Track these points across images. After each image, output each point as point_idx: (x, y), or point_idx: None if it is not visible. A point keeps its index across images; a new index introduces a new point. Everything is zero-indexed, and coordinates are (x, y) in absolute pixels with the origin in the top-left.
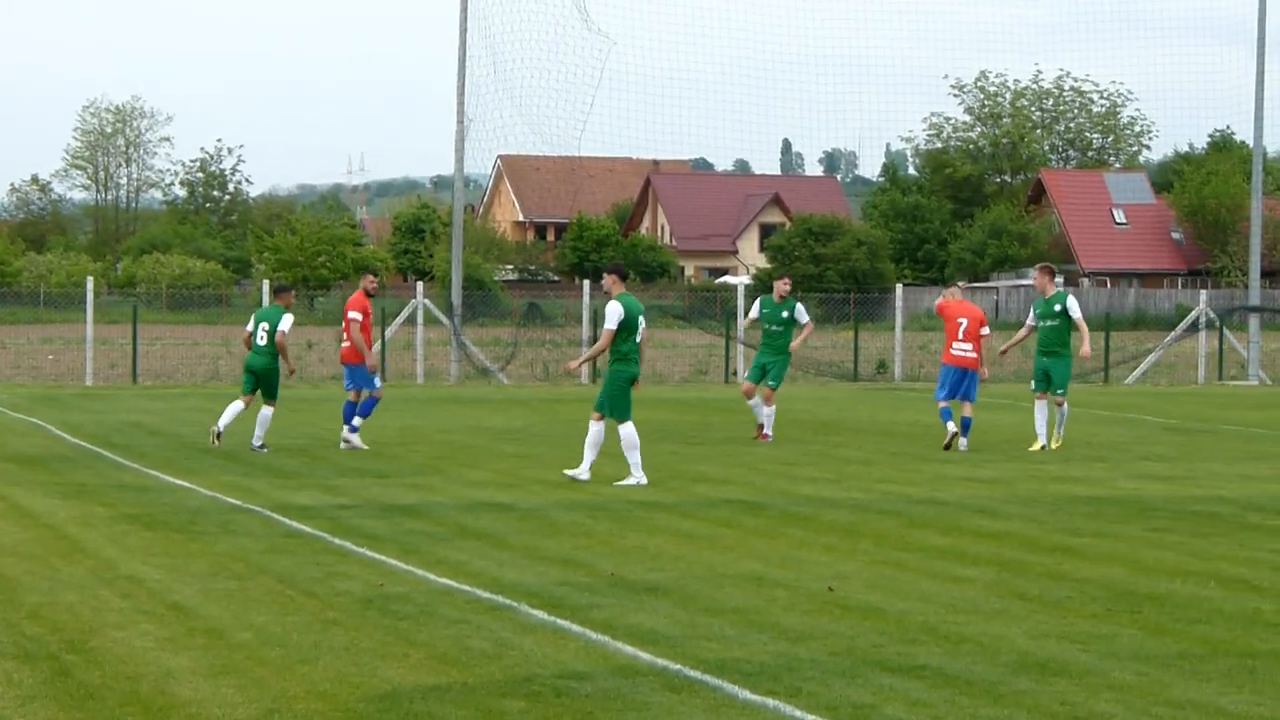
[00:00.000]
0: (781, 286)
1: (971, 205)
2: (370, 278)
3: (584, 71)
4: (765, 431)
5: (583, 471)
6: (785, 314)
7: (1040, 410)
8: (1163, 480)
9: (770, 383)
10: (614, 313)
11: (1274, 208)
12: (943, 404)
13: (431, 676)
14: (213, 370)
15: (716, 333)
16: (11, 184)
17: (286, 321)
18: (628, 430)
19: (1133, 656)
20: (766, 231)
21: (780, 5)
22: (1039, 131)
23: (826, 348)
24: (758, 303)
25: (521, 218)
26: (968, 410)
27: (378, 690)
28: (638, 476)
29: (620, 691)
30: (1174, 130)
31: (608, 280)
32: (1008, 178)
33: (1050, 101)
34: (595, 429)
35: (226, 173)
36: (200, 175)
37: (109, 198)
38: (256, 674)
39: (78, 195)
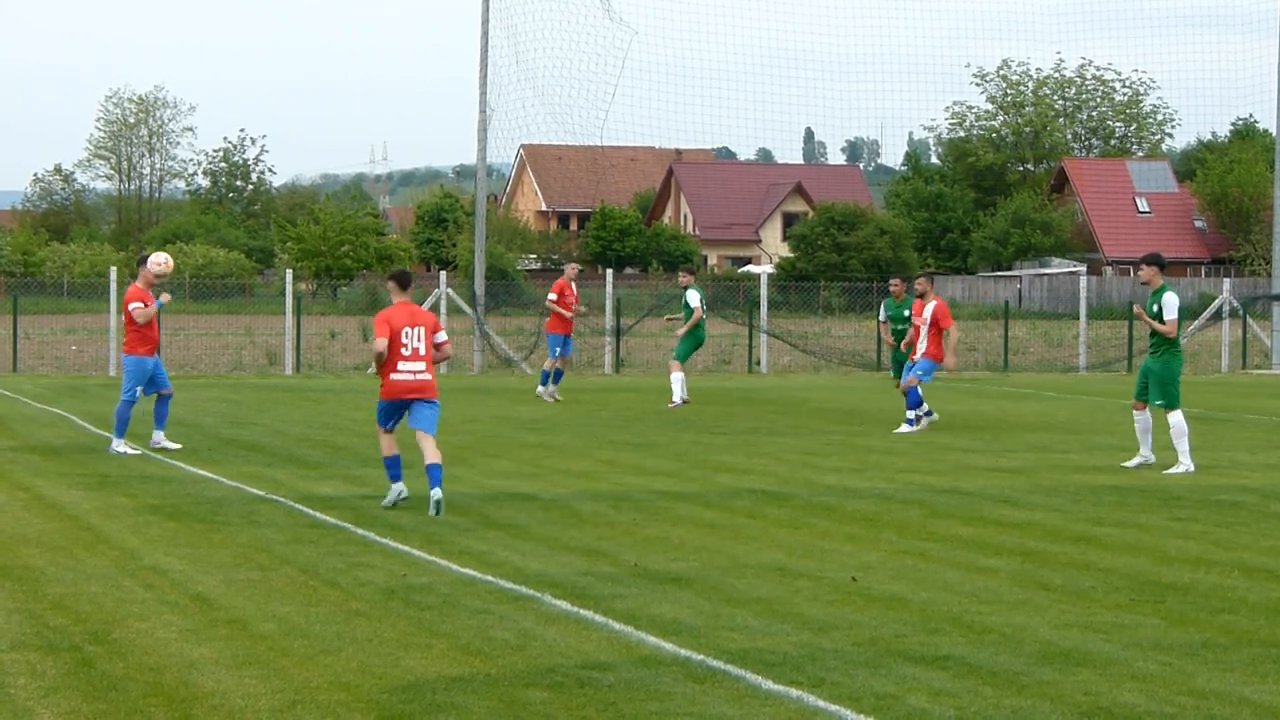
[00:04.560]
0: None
1: (994, 194)
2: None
3: (606, 61)
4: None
5: (1187, 463)
6: (906, 312)
7: None
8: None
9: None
10: (1173, 304)
11: None
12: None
13: (455, 667)
14: (236, 360)
15: (740, 322)
16: (35, 174)
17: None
18: (1177, 419)
19: (1156, 646)
20: (789, 220)
21: None
22: (1061, 120)
23: (849, 337)
24: (882, 305)
25: (544, 207)
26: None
27: (401, 681)
28: (1186, 464)
29: (643, 682)
30: (1196, 119)
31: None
32: (1030, 166)
33: (1072, 90)
34: (1141, 417)
35: (249, 162)
36: (223, 165)
37: (132, 188)
38: (279, 665)
39: (101, 185)
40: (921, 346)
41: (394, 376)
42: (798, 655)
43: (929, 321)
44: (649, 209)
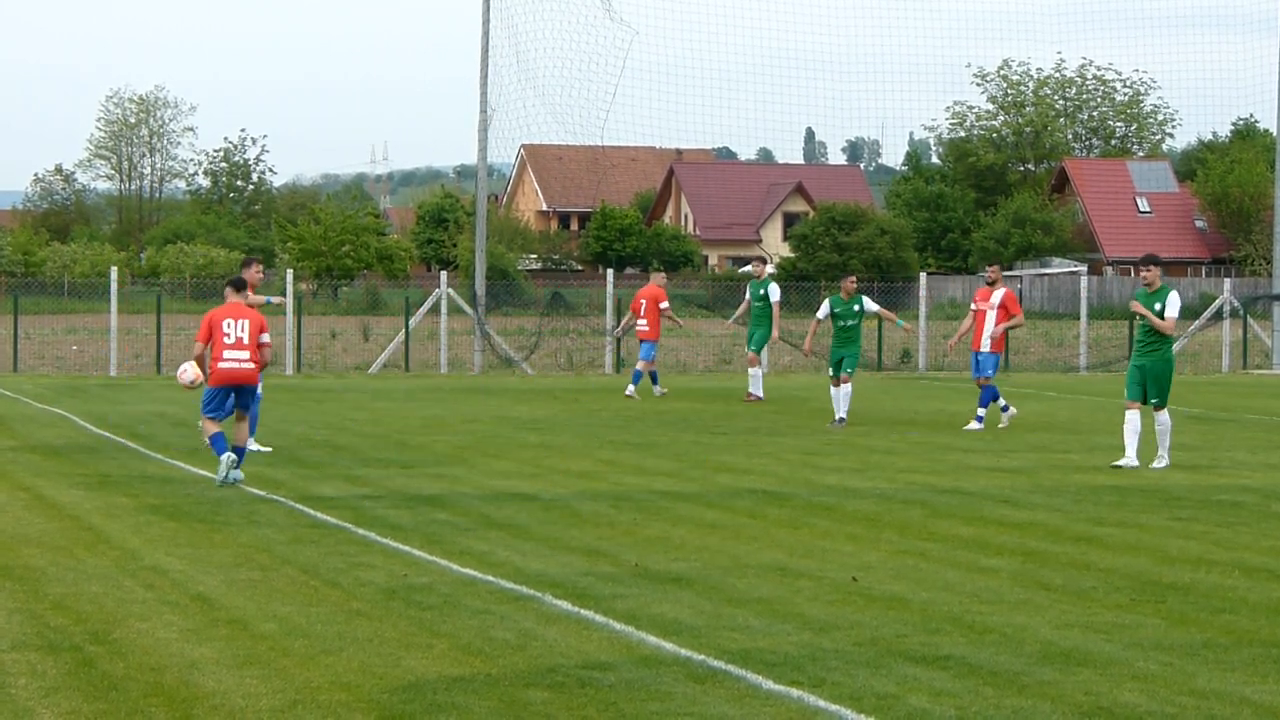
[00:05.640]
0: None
1: (995, 194)
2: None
3: (607, 61)
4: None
5: (1130, 460)
6: (856, 308)
7: None
8: (1187, 469)
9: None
10: (1177, 303)
11: None
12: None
13: (455, 667)
14: None
15: (740, 322)
16: (35, 174)
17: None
18: (1167, 417)
19: (1157, 646)
20: (790, 220)
21: None
22: (1062, 120)
23: None
24: (826, 302)
25: (545, 207)
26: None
27: (402, 681)
28: (1166, 460)
29: (644, 682)
30: (1197, 119)
31: None
32: (1031, 166)
33: (1073, 90)
34: (1133, 417)
35: (250, 162)
36: (224, 165)
37: (132, 188)
38: (280, 665)
39: (101, 185)
40: (987, 341)
41: (221, 365)
42: (798, 655)
43: (996, 307)
44: (649, 209)
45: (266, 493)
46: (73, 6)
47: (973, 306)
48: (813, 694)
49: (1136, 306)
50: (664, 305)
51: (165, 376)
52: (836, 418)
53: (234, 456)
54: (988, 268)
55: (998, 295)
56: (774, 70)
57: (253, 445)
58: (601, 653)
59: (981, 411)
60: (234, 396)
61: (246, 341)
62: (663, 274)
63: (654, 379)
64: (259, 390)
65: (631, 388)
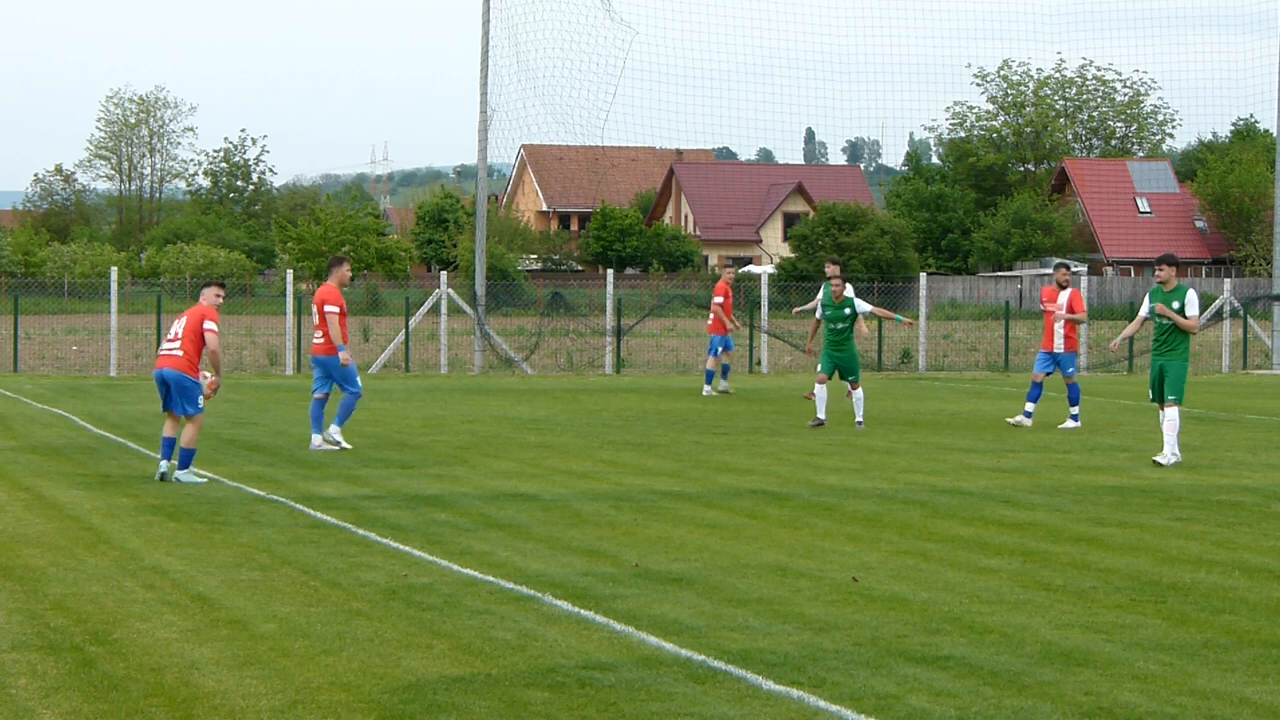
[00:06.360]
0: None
1: (995, 194)
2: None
3: (607, 61)
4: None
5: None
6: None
7: None
8: (1187, 470)
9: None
10: (1195, 301)
11: None
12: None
13: (455, 667)
14: (236, 360)
15: (740, 322)
16: (35, 174)
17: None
18: (1178, 413)
19: (1157, 646)
20: (790, 221)
21: None
22: (1062, 120)
23: None
24: (820, 295)
25: (545, 207)
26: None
27: (402, 681)
28: (1170, 455)
29: (644, 682)
30: (1197, 119)
31: None
32: (1031, 166)
33: (1073, 90)
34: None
35: (250, 163)
36: (224, 165)
37: (133, 188)
38: (280, 665)
39: (101, 185)
40: (1059, 340)
41: (159, 354)
42: (799, 655)
43: (1063, 306)
44: (650, 209)
45: (266, 493)
46: (73, 6)
47: (1042, 308)
48: (813, 694)
49: (1162, 310)
50: (716, 300)
51: None
52: (818, 417)
53: (163, 465)
54: (1055, 268)
55: (1065, 296)
56: (774, 70)
57: (336, 438)
58: (601, 653)
59: (1076, 410)
60: (170, 394)
61: (180, 334)
62: (731, 270)
63: (709, 378)
64: (325, 385)
65: (724, 383)
